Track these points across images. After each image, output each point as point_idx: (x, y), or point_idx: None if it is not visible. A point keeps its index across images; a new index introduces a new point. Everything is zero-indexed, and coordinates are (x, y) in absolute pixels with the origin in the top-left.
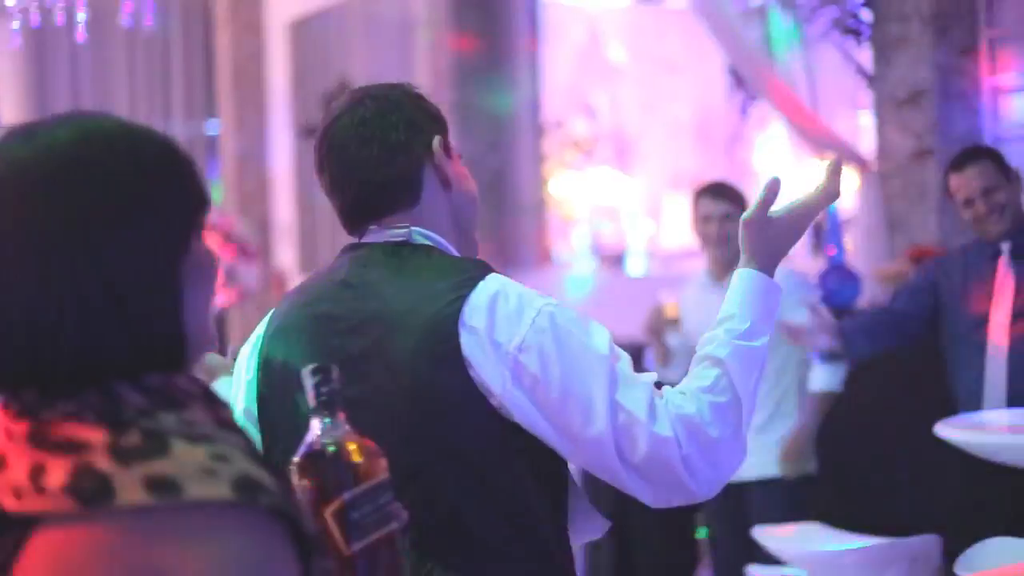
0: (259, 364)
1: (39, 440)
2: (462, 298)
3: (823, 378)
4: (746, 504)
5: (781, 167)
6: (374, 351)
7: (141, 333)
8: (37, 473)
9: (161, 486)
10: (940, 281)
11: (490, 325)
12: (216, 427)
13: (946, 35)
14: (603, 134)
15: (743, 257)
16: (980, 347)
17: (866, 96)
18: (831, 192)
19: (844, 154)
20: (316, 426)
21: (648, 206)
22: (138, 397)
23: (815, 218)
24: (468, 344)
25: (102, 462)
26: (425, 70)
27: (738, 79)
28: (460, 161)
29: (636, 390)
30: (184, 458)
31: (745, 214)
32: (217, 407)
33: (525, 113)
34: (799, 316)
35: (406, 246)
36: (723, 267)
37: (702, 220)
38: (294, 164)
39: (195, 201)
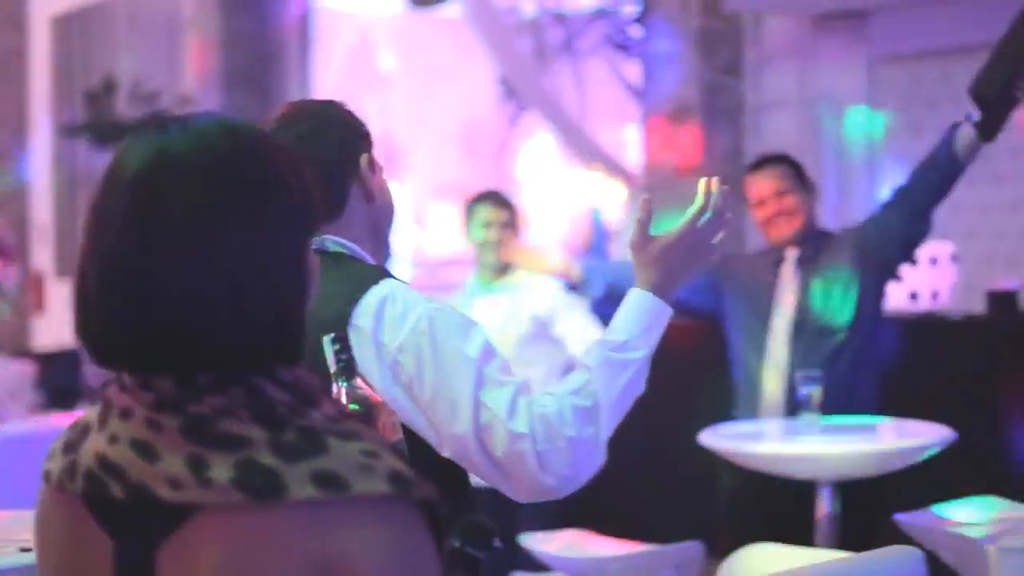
0: None
1: (194, 434)
2: (355, 301)
3: None
4: (513, 509)
5: (546, 177)
6: None
7: (282, 323)
8: (197, 466)
9: (329, 481)
10: (723, 283)
11: (376, 326)
12: (346, 421)
13: (713, 54)
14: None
15: (636, 278)
16: (760, 353)
17: (633, 110)
18: (714, 210)
19: (610, 167)
20: (336, 389)
21: (414, 214)
22: (282, 393)
23: (713, 237)
24: (354, 343)
25: (266, 458)
26: (193, 71)
27: (508, 89)
28: (381, 173)
29: (501, 390)
30: (342, 455)
31: (630, 238)
32: (337, 401)
33: None
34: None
35: (317, 253)
36: (495, 272)
37: (482, 225)
38: (53, 164)
39: (313, 207)
